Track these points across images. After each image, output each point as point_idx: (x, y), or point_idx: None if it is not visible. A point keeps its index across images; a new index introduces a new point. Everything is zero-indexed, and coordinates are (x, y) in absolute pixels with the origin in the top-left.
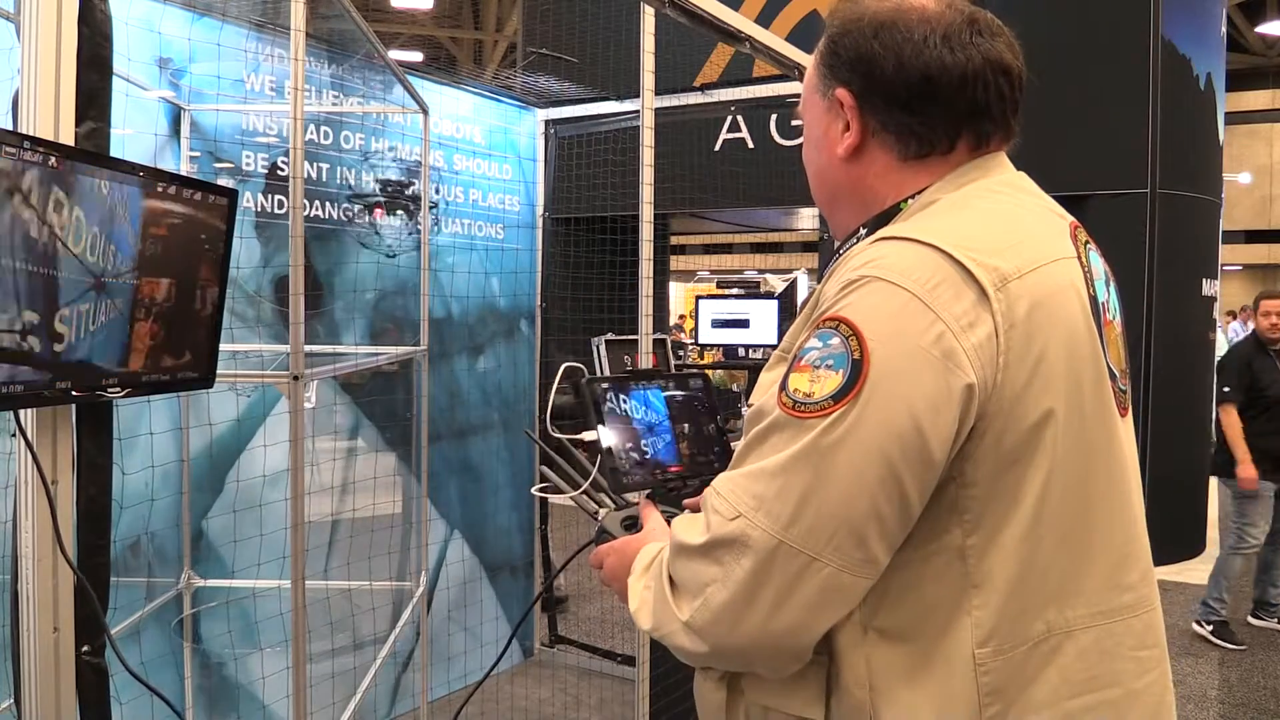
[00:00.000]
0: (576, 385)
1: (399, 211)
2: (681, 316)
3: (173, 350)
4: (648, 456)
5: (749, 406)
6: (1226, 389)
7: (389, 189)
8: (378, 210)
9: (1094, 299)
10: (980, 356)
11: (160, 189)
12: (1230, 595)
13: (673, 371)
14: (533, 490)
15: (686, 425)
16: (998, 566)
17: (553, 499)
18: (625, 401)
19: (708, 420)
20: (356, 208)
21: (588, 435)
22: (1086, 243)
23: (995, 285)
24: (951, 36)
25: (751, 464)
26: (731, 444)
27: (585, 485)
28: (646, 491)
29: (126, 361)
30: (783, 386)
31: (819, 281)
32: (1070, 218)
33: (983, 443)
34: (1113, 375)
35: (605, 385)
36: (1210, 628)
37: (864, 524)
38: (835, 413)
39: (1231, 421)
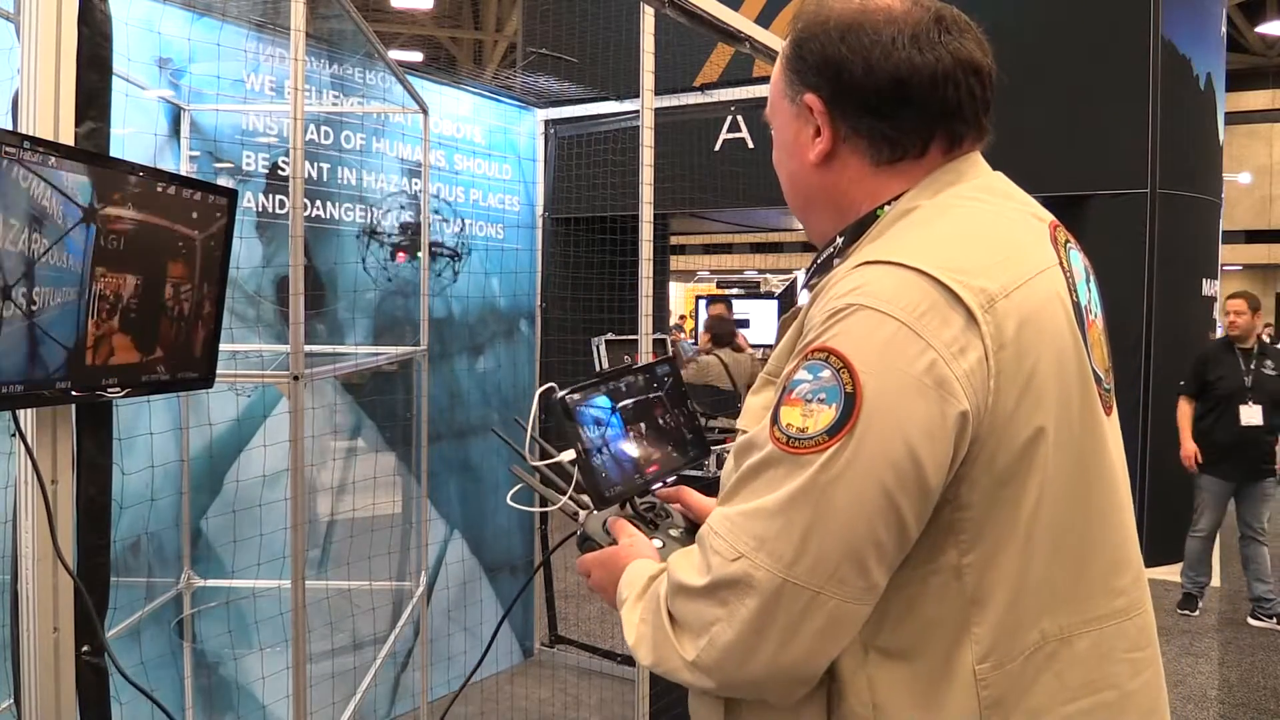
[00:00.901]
0: (549, 406)
1: (419, 255)
2: (682, 317)
3: (172, 348)
4: (624, 460)
5: (741, 432)
6: (1182, 383)
7: (408, 232)
8: (400, 254)
9: (1076, 304)
10: (972, 382)
11: (160, 189)
12: (1194, 572)
13: (640, 364)
14: (508, 499)
15: (657, 419)
16: (995, 583)
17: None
18: (596, 409)
19: (678, 408)
20: (377, 246)
21: (565, 456)
22: (1066, 242)
23: (983, 307)
24: (920, 36)
25: (747, 502)
26: (704, 428)
27: (564, 500)
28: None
29: (127, 358)
30: (774, 420)
31: (807, 290)
32: (1049, 217)
33: (976, 465)
34: (1097, 378)
35: (576, 396)
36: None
37: (864, 554)
38: (831, 448)
39: (1181, 410)
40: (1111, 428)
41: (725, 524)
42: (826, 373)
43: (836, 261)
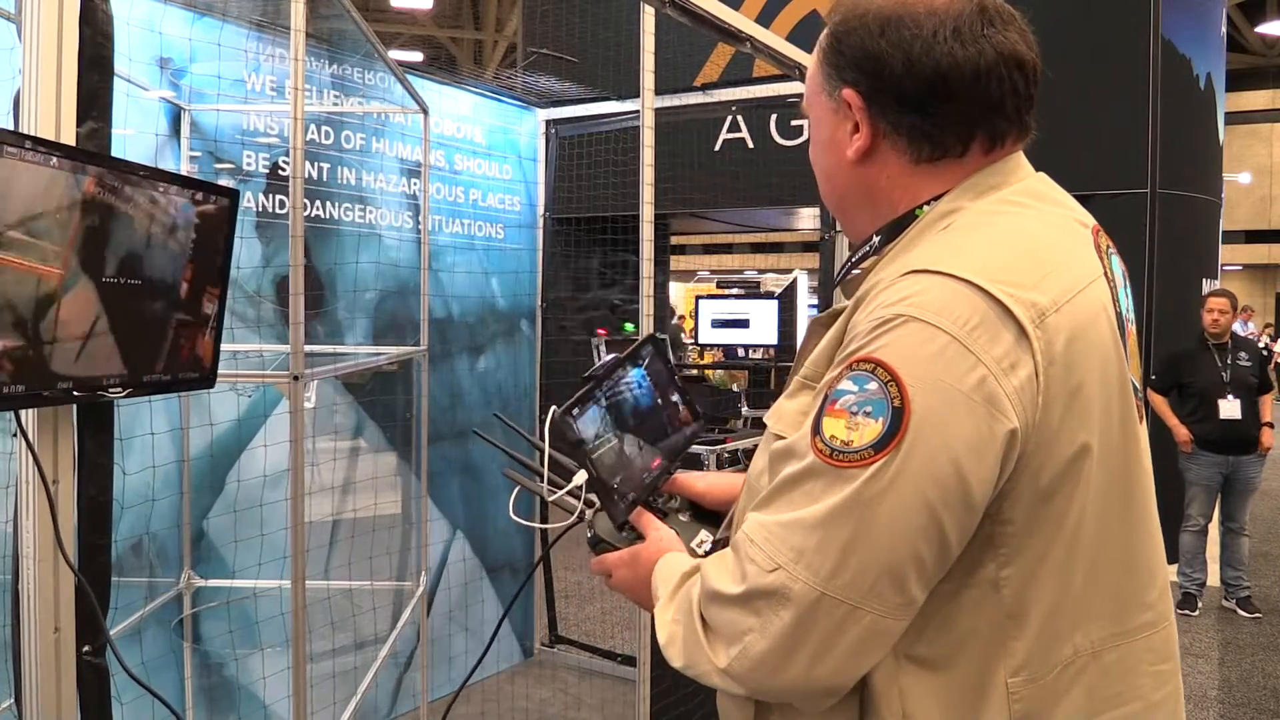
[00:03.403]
0: (553, 424)
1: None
2: (680, 317)
3: (174, 350)
4: (630, 465)
5: (778, 438)
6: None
7: (617, 309)
8: (601, 331)
9: (1119, 315)
10: (1022, 399)
11: (161, 189)
12: (1191, 569)
13: (624, 354)
14: (510, 513)
15: (650, 408)
16: (1033, 597)
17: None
18: (594, 419)
19: (668, 389)
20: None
21: (578, 478)
22: (1108, 248)
23: (1034, 322)
24: (962, 29)
25: (786, 512)
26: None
27: (588, 514)
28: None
29: (129, 360)
30: (816, 430)
31: (825, 282)
32: (1091, 221)
33: (1020, 481)
34: (1135, 389)
35: (576, 411)
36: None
37: (904, 569)
38: (878, 463)
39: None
40: (1143, 436)
41: (762, 533)
42: (873, 385)
43: (870, 260)
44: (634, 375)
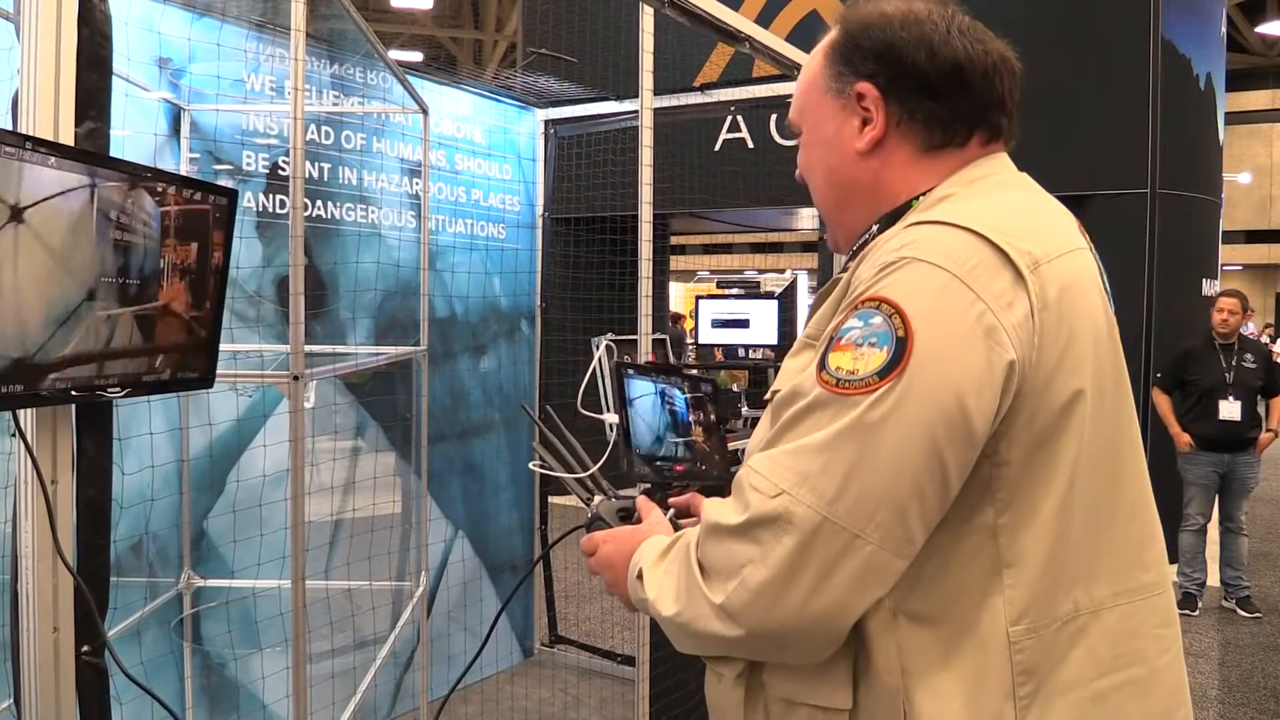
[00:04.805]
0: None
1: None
2: (681, 317)
3: (174, 350)
4: (660, 450)
5: (772, 395)
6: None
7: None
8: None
9: (1108, 292)
10: (1019, 334)
11: (160, 189)
12: (1191, 569)
13: (686, 372)
14: (530, 465)
15: (693, 429)
16: (1030, 545)
17: (551, 478)
18: (644, 390)
19: (715, 425)
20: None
21: (608, 417)
22: (1089, 241)
23: (1029, 267)
24: (965, 31)
25: (791, 442)
26: (730, 447)
27: (590, 472)
28: (645, 486)
29: (130, 360)
30: (822, 366)
31: (824, 281)
32: (1073, 216)
33: (1017, 421)
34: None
35: (632, 371)
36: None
37: (906, 501)
38: (881, 389)
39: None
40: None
41: (767, 463)
42: (878, 319)
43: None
44: (689, 395)
